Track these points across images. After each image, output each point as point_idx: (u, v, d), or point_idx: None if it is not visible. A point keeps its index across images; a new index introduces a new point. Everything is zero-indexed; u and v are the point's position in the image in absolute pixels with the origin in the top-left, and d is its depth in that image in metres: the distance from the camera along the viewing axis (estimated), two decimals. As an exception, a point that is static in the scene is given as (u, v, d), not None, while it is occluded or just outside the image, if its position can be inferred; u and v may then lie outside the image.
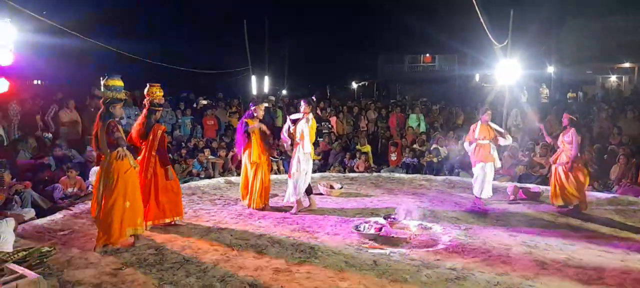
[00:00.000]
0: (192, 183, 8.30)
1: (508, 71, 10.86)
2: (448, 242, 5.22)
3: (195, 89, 13.77)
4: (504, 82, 11.14)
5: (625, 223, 6.15)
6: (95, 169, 7.02)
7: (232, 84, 15.87)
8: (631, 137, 9.98)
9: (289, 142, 6.67)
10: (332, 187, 7.96)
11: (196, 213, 6.45)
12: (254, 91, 14.13)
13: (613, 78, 22.06)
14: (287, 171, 8.16)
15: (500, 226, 5.94)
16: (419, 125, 12.27)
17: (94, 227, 5.23)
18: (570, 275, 4.28)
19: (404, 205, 6.22)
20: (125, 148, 4.89)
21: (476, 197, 7.15)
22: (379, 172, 10.16)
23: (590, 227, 6.00)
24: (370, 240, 5.18)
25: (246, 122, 6.54)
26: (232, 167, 9.55)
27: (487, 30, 9.71)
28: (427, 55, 31.82)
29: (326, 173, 9.92)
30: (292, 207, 6.49)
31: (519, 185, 8.14)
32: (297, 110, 7.32)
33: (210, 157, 9.47)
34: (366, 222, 5.65)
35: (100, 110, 4.92)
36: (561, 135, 6.84)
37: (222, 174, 9.28)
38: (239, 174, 8.93)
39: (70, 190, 6.96)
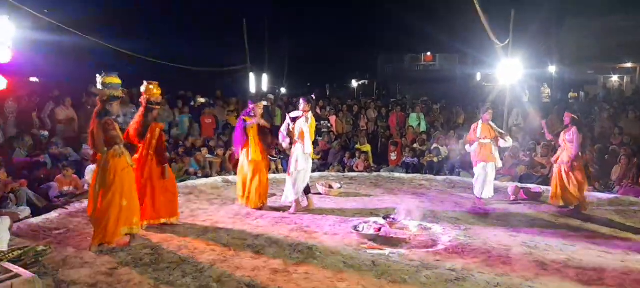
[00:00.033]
0: (189, 183, 8.25)
1: (509, 71, 10.81)
2: (448, 242, 5.17)
3: (193, 87, 13.71)
4: (505, 81, 11.09)
5: (626, 224, 6.12)
6: (91, 168, 6.99)
7: (231, 82, 15.81)
8: (633, 137, 9.94)
9: (288, 141, 6.62)
10: (331, 187, 7.91)
11: (193, 212, 6.40)
12: (253, 89, 14.07)
13: (615, 78, 22.02)
14: (285, 170, 8.12)
15: (501, 226, 5.89)
16: (419, 124, 12.24)
17: (89, 226, 5.18)
18: (571, 276, 4.25)
19: (404, 205, 6.18)
20: (121, 146, 4.84)
21: (477, 197, 7.12)
22: (379, 171, 10.11)
23: (591, 227, 5.97)
24: (369, 240, 5.14)
25: (244, 119, 6.49)
26: (229, 166, 9.50)
27: (488, 30, 9.66)
28: (428, 54, 31.74)
29: (325, 173, 9.88)
30: (290, 207, 6.44)
31: (519, 185, 8.09)
32: (296, 109, 7.27)
33: (207, 156, 9.43)
34: (365, 222, 5.61)
35: (97, 107, 4.87)
36: (562, 133, 6.81)
37: (219, 173, 9.23)
38: (236, 173, 8.90)
39: (66, 188, 6.92)
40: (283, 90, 21.45)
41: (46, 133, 8.75)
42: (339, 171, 10.09)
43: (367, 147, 10.97)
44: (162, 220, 5.54)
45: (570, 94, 15.66)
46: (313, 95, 7.89)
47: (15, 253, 4.17)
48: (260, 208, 6.50)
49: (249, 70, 14.21)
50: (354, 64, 30.08)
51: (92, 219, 4.83)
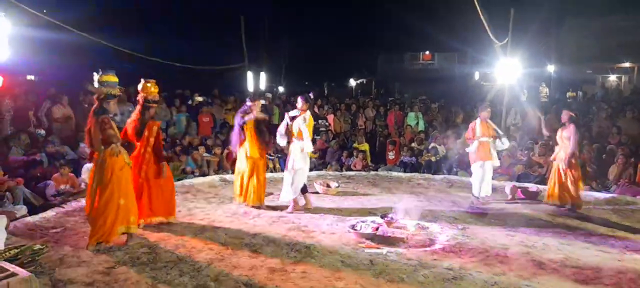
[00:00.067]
0: (187, 182, 8.24)
1: (508, 70, 10.82)
2: (445, 241, 5.18)
3: (190, 85, 13.67)
4: (504, 80, 11.10)
5: (623, 223, 6.14)
6: (87, 166, 6.97)
7: (228, 81, 15.77)
8: (630, 137, 9.96)
9: (286, 140, 6.60)
10: (329, 186, 7.90)
11: (190, 211, 6.39)
12: (251, 88, 14.04)
13: (613, 77, 22.06)
14: (283, 169, 8.11)
15: (498, 226, 5.90)
16: (417, 123, 12.23)
17: (86, 225, 5.16)
18: (568, 275, 4.25)
19: (402, 204, 6.18)
20: (119, 144, 4.82)
21: (475, 196, 7.12)
22: (377, 170, 10.11)
23: (588, 226, 5.98)
24: (367, 239, 5.13)
25: (241, 116, 6.47)
26: (227, 165, 9.48)
27: (487, 29, 9.66)
28: (427, 53, 31.72)
29: (323, 172, 9.87)
30: (287, 206, 6.43)
31: (517, 184, 8.11)
32: (294, 108, 7.25)
33: (205, 154, 9.40)
34: (363, 221, 5.60)
35: (94, 106, 4.85)
36: (560, 130, 6.85)
37: (217, 172, 9.21)
38: (234, 172, 8.89)
39: (62, 187, 6.89)
40: (281, 89, 21.41)
41: (43, 131, 8.70)
42: (336, 170, 10.09)
43: (365, 146, 10.97)
44: (160, 219, 5.52)
45: (569, 94, 15.71)
46: (311, 94, 7.85)
47: (12, 252, 4.14)
48: (258, 207, 6.49)
49: (246, 68, 14.17)
50: (352, 62, 30.05)
51: (90, 218, 4.81)
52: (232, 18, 15.39)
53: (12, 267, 3.62)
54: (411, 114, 12.55)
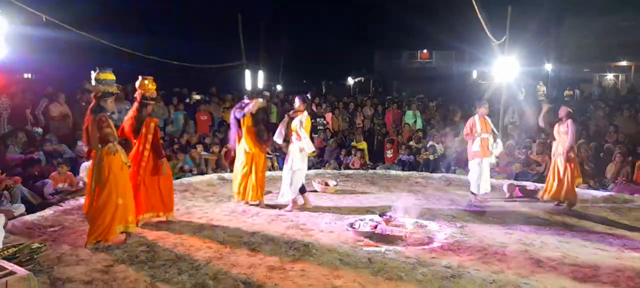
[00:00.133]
0: (185, 180, 8.23)
1: (506, 68, 10.83)
2: (444, 239, 5.18)
3: (188, 83, 13.64)
4: (502, 79, 11.11)
5: (620, 221, 6.16)
6: (85, 165, 6.95)
7: (226, 79, 15.74)
8: (627, 135, 9.99)
9: (283, 138, 6.61)
10: (327, 184, 7.91)
11: (189, 210, 6.38)
12: (248, 86, 14.02)
13: (610, 76, 22.12)
14: (281, 168, 8.10)
15: (496, 224, 5.91)
16: (415, 122, 12.24)
17: (84, 224, 5.15)
18: (566, 273, 4.26)
19: (400, 203, 6.19)
20: (116, 143, 4.81)
21: (473, 193, 7.14)
22: (375, 169, 10.12)
23: (586, 224, 6.00)
24: (365, 237, 5.13)
25: (238, 110, 6.44)
26: (225, 163, 9.47)
27: (485, 27, 9.67)
28: (425, 51, 31.69)
29: (321, 170, 9.88)
30: (286, 205, 6.42)
31: (515, 182, 8.12)
32: (292, 107, 7.24)
33: (203, 153, 9.39)
34: (361, 220, 5.61)
35: (92, 104, 4.84)
36: (557, 125, 6.88)
37: (215, 171, 9.20)
38: (232, 171, 8.87)
39: (60, 185, 6.88)
40: (279, 87, 21.39)
41: (40, 130, 8.68)
42: (335, 168, 10.09)
43: (363, 145, 10.97)
44: (158, 214, 5.53)
45: (566, 92, 15.71)
46: (308, 94, 7.83)
47: (10, 250, 4.14)
48: (257, 205, 6.49)
49: (244, 67, 14.16)
50: (350, 61, 29.99)
51: (88, 216, 4.80)
52: (228, 15, 15.37)
53: (10, 266, 3.61)
54: (409, 113, 12.56)
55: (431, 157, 10.11)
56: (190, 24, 20.60)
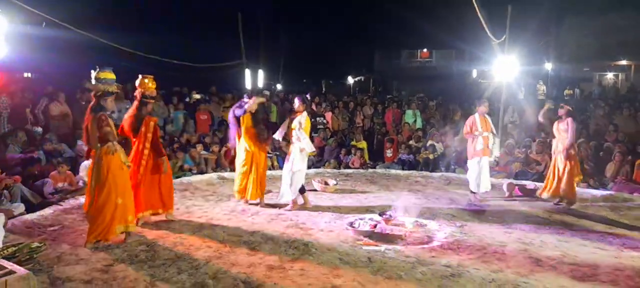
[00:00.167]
0: (185, 179, 8.23)
1: (505, 67, 10.83)
2: (443, 239, 5.19)
3: (188, 82, 13.64)
4: (502, 78, 11.12)
5: (620, 221, 6.16)
6: (85, 164, 6.96)
7: (226, 78, 15.74)
8: (627, 135, 9.99)
9: (282, 136, 6.62)
10: (327, 183, 7.91)
11: (188, 209, 6.38)
12: (248, 85, 14.02)
13: (610, 75, 22.13)
14: (281, 167, 8.10)
15: (496, 223, 5.91)
16: (415, 121, 12.24)
17: (84, 223, 5.16)
18: (565, 272, 4.27)
19: (400, 202, 6.19)
20: (115, 143, 4.81)
21: (473, 192, 7.14)
22: (375, 168, 10.12)
23: (585, 224, 6.00)
24: (365, 236, 5.13)
25: (237, 108, 6.44)
26: (225, 162, 9.47)
27: (485, 26, 9.67)
28: (425, 50, 31.70)
29: (321, 169, 9.88)
30: (285, 204, 6.42)
31: (515, 182, 8.12)
32: (292, 106, 7.24)
33: (202, 152, 9.39)
34: (361, 219, 5.61)
35: (91, 103, 4.84)
36: (556, 123, 6.89)
37: (214, 170, 9.20)
38: (232, 170, 8.87)
39: (60, 185, 6.88)
40: (279, 86, 21.40)
41: (40, 129, 8.68)
42: (334, 168, 10.09)
43: (363, 144, 10.97)
44: (157, 212, 5.54)
45: (566, 91, 15.76)
46: (308, 95, 7.82)
47: (10, 250, 4.14)
48: (258, 204, 6.49)
49: (244, 66, 14.15)
50: (350, 60, 29.98)
51: (88, 215, 4.80)
52: (230, 16, 15.36)
53: (10, 265, 3.61)
54: (409, 112, 12.56)
55: (431, 156, 10.11)
56: (190, 23, 20.58)
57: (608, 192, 7.82)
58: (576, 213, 6.46)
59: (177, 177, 8.07)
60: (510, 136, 10.74)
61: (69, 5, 9.00)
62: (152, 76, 5.53)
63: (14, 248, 4.17)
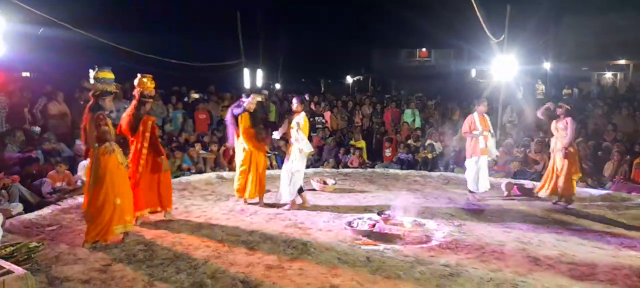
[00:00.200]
0: (183, 179, 8.23)
1: (504, 67, 10.84)
2: (442, 238, 5.19)
3: (186, 82, 13.63)
4: (500, 77, 11.12)
5: (618, 220, 6.16)
6: (84, 163, 6.94)
7: (225, 78, 15.74)
8: (625, 134, 10.00)
9: (280, 135, 6.63)
10: (325, 183, 7.91)
11: (187, 208, 6.38)
12: (247, 85, 14.01)
13: (608, 75, 22.16)
14: (280, 166, 8.10)
15: (494, 222, 5.92)
16: (414, 120, 12.25)
17: (82, 223, 5.15)
18: (563, 271, 4.27)
19: (398, 201, 6.19)
20: (113, 143, 4.79)
21: (471, 192, 7.15)
22: (373, 167, 10.12)
23: (583, 223, 6.01)
24: (363, 236, 5.13)
25: (235, 107, 6.44)
26: (223, 162, 9.47)
27: (483, 25, 9.68)
28: (423, 50, 31.72)
29: (320, 169, 9.88)
30: (284, 204, 6.42)
31: (513, 181, 8.13)
32: (290, 106, 7.24)
33: (201, 152, 9.38)
34: (360, 218, 5.61)
35: (90, 102, 4.83)
36: (554, 122, 6.91)
37: (213, 169, 9.19)
38: (230, 169, 8.87)
39: (58, 184, 6.86)
40: (278, 86, 21.39)
41: (38, 128, 8.66)
42: (333, 167, 10.09)
43: (362, 143, 10.97)
44: (156, 209, 5.55)
45: (564, 91, 15.76)
46: (306, 95, 7.82)
47: (8, 249, 4.13)
48: (256, 204, 6.48)
49: (243, 65, 14.15)
50: (349, 59, 29.98)
51: (86, 215, 4.80)
52: (229, 15, 15.36)
53: (7, 265, 3.60)
54: (408, 111, 12.56)
55: (430, 156, 10.12)
56: (189, 22, 20.56)
57: (606, 192, 7.83)
58: (574, 213, 6.47)
59: (176, 177, 8.06)
60: (509, 135, 10.75)
61: (69, 5, 8.99)
62: (151, 75, 5.53)
63: (12, 248, 4.16)
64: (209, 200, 6.90)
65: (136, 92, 5.44)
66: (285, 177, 6.36)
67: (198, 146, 9.44)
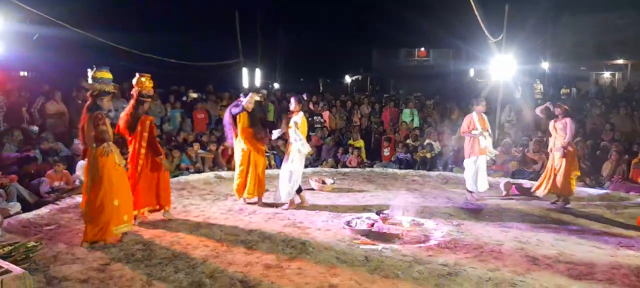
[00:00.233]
0: (182, 178, 8.21)
1: (502, 66, 10.85)
2: (440, 237, 5.19)
3: (185, 81, 13.62)
4: (499, 77, 11.14)
5: (616, 219, 6.17)
6: (81, 163, 6.92)
7: (224, 77, 15.73)
8: (623, 134, 10.03)
9: (277, 135, 6.63)
10: (324, 182, 7.91)
11: (185, 208, 6.37)
12: (246, 84, 14.00)
13: (606, 74, 22.21)
14: (278, 166, 8.10)
15: (493, 222, 5.92)
16: (412, 120, 12.25)
17: (80, 222, 5.15)
18: (561, 271, 4.28)
19: (397, 201, 6.19)
20: (110, 143, 4.78)
21: (470, 191, 7.15)
22: (372, 167, 10.12)
23: (582, 222, 6.02)
24: (362, 235, 5.13)
25: (233, 107, 6.43)
26: (222, 161, 9.46)
27: (482, 25, 9.69)
28: (422, 49, 31.74)
29: (318, 168, 9.88)
30: (282, 203, 6.42)
31: (512, 181, 8.14)
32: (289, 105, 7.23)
33: (199, 151, 9.37)
34: (358, 218, 5.61)
35: (88, 102, 4.82)
36: (552, 122, 6.91)
37: (212, 169, 9.18)
38: (229, 169, 8.87)
39: (57, 184, 6.85)
40: (276, 85, 21.37)
41: (36, 128, 8.65)
42: (332, 166, 10.09)
43: (361, 143, 10.97)
44: (155, 208, 5.54)
45: (563, 90, 15.79)
46: (304, 95, 7.82)
47: (6, 249, 4.12)
48: (254, 203, 6.48)
49: (242, 64, 14.13)
50: (347, 59, 30.00)
51: (84, 214, 4.78)
52: (227, 15, 15.34)
53: (5, 264, 3.60)
54: (406, 111, 12.57)
55: (428, 155, 10.12)
56: (188, 22, 20.55)
57: (604, 191, 7.84)
58: (573, 212, 6.47)
59: (174, 176, 8.05)
60: (507, 135, 10.76)
61: (69, 5, 8.98)
62: (149, 75, 5.52)
63: (10, 248, 4.14)
64: (207, 200, 6.89)
65: (134, 92, 5.43)
66: (283, 176, 6.36)
67: (196, 145, 9.44)
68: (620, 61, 20.78)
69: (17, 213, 5.82)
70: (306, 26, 27.21)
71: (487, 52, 11.99)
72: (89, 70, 4.84)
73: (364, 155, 10.70)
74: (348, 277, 4.05)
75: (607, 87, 18.77)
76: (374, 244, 4.91)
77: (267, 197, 6.79)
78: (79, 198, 6.02)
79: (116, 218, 4.76)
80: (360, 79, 32.17)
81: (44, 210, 5.99)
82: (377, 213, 5.76)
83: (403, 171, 9.65)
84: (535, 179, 8.35)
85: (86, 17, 10.88)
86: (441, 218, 6.02)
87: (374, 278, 4.03)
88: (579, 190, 7.62)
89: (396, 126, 12.01)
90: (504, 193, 7.55)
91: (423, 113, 13.07)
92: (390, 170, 9.75)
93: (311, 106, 12.86)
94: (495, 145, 7.98)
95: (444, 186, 8.38)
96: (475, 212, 6.44)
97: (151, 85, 5.51)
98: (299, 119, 6.29)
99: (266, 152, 9.48)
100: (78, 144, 7.56)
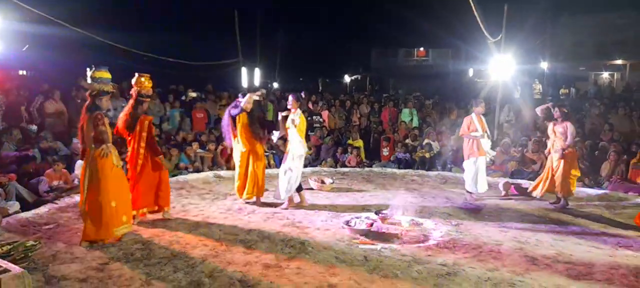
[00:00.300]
0: (181, 178, 8.21)
1: (502, 66, 10.86)
2: (439, 237, 5.20)
3: (184, 81, 13.61)
4: (498, 77, 11.15)
5: (615, 219, 6.18)
6: (80, 162, 6.91)
7: (223, 77, 15.72)
8: (622, 134, 10.04)
9: (277, 135, 6.62)
10: (323, 182, 7.91)
11: (184, 207, 6.37)
12: (245, 84, 13.98)
13: (605, 74, 22.24)
14: (278, 166, 8.10)
15: (492, 222, 5.93)
16: (411, 119, 12.26)
17: (79, 221, 5.14)
18: (560, 271, 4.28)
19: (396, 201, 6.19)
20: (109, 144, 4.77)
21: (469, 192, 7.16)
22: (371, 167, 10.13)
23: (580, 222, 6.03)
24: (361, 235, 5.14)
25: (233, 107, 6.43)
26: (221, 161, 9.46)
27: (481, 25, 9.69)
28: (421, 49, 31.75)
29: (317, 168, 9.88)
30: (282, 203, 6.42)
31: (511, 181, 8.15)
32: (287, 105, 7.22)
33: (198, 150, 9.37)
34: (357, 218, 5.61)
35: (87, 102, 4.81)
36: (552, 124, 6.91)
37: (211, 168, 9.18)
38: (228, 168, 8.87)
39: (55, 183, 6.84)
40: (275, 85, 21.36)
41: (35, 127, 8.63)
42: (331, 166, 10.09)
43: (360, 143, 10.98)
44: (154, 208, 5.54)
45: (562, 90, 15.83)
46: (302, 93, 7.82)
47: (5, 248, 4.11)
48: (254, 203, 6.48)
49: (241, 64, 14.12)
50: (347, 58, 30.01)
51: (83, 215, 4.78)
52: (226, 14, 15.33)
53: (4, 264, 3.60)
54: (405, 110, 12.58)
55: (427, 155, 10.13)
56: (187, 21, 20.56)
57: (603, 191, 7.85)
58: (572, 213, 6.48)
59: (173, 176, 8.04)
60: (506, 135, 10.78)
61: (69, 4, 8.97)
62: (148, 75, 5.51)
63: (8, 247, 4.14)
64: (206, 199, 6.89)
65: (133, 91, 5.42)
66: (283, 176, 6.36)
67: (195, 145, 9.43)
68: (619, 61, 20.81)
69: (16, 212, 5.81)
70: (305, 26, 27.23)
71: (486, 52, 12.01)
72: (87, 69, 4.83)
73: (363, 154, 10.71)
74: (347, 276, 4.05)
75: (606, 87, 18.81)
76: (373, 244, 4.91)
77: (266, 197, 6.79)
78: (77, 197, 6.00)
79: (115, 219, 4.75)
80: (359, 78, 32.16)
81: (42, 210, 5.98)
82: (376, 213, 5.76)
83: (402, 171, 9.65)
84: (534, 179, 8.37)
85: (86, 17, 10.87)
86: (440, 218, 6.03)
87: (373, 278, 4.03)
88: (578, 190, 7.62)
89: (395, 126, 12.02)
90: (503, 193, 7.56)
91: (422, 113, 13.08)
92: (389, 169, 9.76)
93: (310, 106, 12.87)
94: (494, 146, 7.99)
95: (442, 186, 8.38)
96: (474, 212, 6.45)
97: (150, 85, 5.50)
98: (297, 116, 6.28)
99: (265, 152, 9.50)
100: (77, 143, 7.55)
